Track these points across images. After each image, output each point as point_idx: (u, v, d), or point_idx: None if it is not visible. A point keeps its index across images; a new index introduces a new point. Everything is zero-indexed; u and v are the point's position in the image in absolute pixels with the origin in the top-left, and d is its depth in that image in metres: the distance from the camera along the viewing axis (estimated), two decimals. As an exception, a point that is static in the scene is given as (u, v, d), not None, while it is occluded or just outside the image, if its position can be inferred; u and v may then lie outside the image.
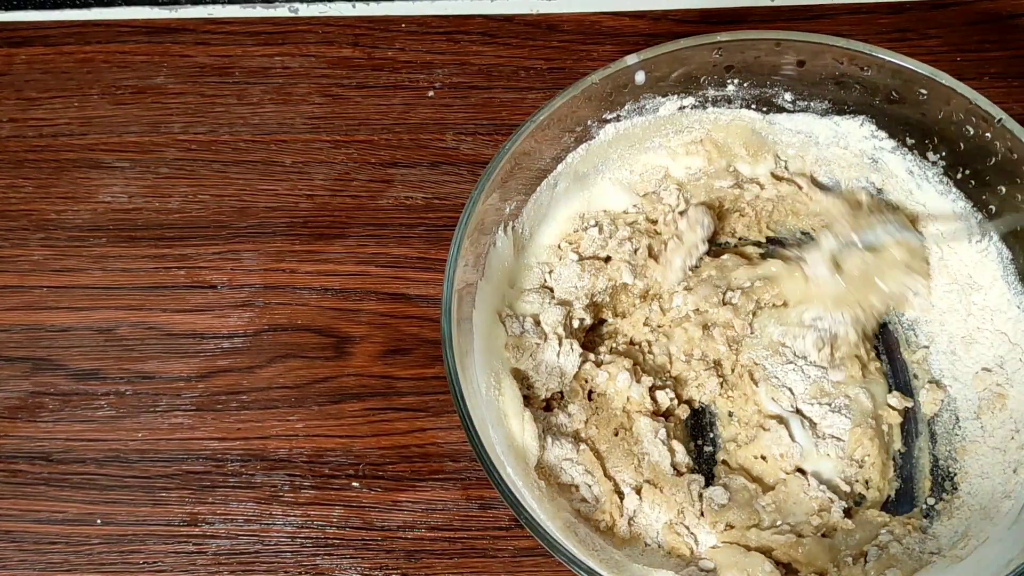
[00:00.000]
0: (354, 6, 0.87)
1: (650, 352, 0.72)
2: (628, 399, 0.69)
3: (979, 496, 0.65)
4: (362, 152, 0.81)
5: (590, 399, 0.69)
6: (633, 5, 0.86)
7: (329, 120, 0.82)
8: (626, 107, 0.70)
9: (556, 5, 0.86)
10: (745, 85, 0.70)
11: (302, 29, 0.86)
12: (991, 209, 0.67)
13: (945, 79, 0.64)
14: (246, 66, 0.85)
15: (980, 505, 0.65)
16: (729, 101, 0.71)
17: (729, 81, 0.70)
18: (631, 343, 0.73)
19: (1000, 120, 0.63)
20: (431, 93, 0.83)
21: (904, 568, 0.63)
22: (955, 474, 0.68)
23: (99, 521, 0.70)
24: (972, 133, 0.65)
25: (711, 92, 0.70)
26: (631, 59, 0.67)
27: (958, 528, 0.65)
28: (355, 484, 0.71)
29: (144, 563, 0.69)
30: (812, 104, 0.70)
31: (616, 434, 0.68)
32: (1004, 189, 0.65)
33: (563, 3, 0.86)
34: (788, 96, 0.70)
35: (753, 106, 0.71)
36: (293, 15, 0.87)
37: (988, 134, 0.64)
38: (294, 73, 0.84)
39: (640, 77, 0.68)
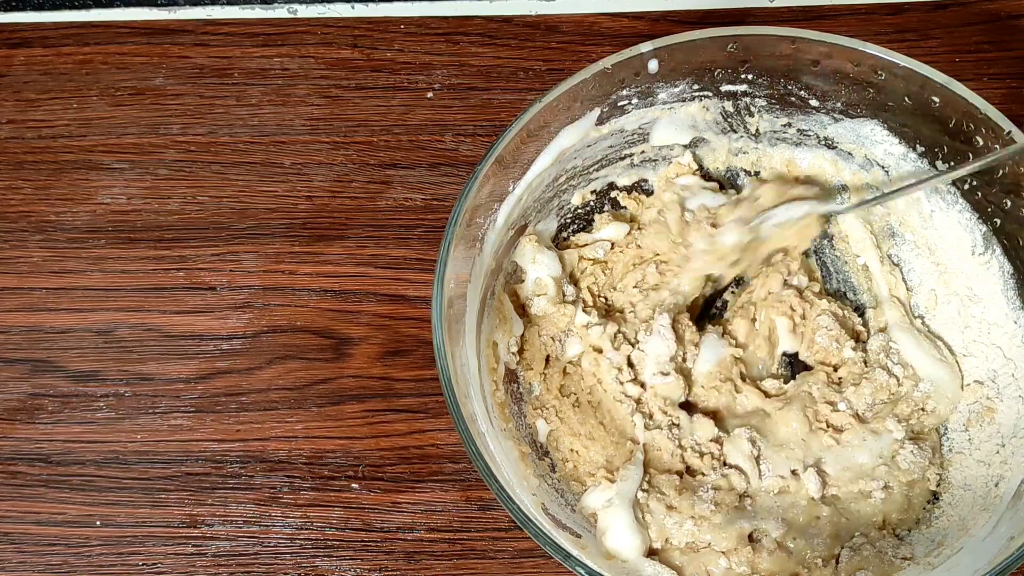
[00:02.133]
0: (353, 7, 0.87)
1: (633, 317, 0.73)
2: (597, 357, 0.70)
3: (959, 508, 0.65)
4: (361, 153, 0.81)
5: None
6: (632, 6, 0.86)
7: (328, 121, 0.82)
8: (635, 99, 0.70)
9: (555, 6, 0.86)
10: (758, 81, 0.70)
11: (301, 30, 0.86)
12: (996, 222, 0.67)
13: (958, 88, 0.64)
14: (245, 67, 0.85)
15: (959, 516, 0.65)
16: (740, 96, 0.71)
17: (743, 76, 0.70)
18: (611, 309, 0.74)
19: (1009, 132, 0.62)
20: (430, 94, 0.83)
21: (876, 571, 0.63)
22: (938, 484, 0.68)
23: (98, 523, 0.70)
24: (981, 144, 0.64)
25: (724, 87, 0.71)
26: (645, 47, 0.67)
27: (935, 537, 0.65)
28: (354, 485, 0.71)
29: (143, 564, 0.69)
30: (825, 104, 0.70)
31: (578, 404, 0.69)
32: (1009, 202, 0.65)
33: (562, 4, 0.86)
34: (801, 95, 0.70)
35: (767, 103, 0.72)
36: (292, 16, 0.87)
37: (997, 145, 0.63)
38: (293, 74, 0.84)
39: (653, 65, 0.68)
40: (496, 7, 0.86)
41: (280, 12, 0.87)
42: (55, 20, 0.87)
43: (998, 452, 0.65)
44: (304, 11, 0.87)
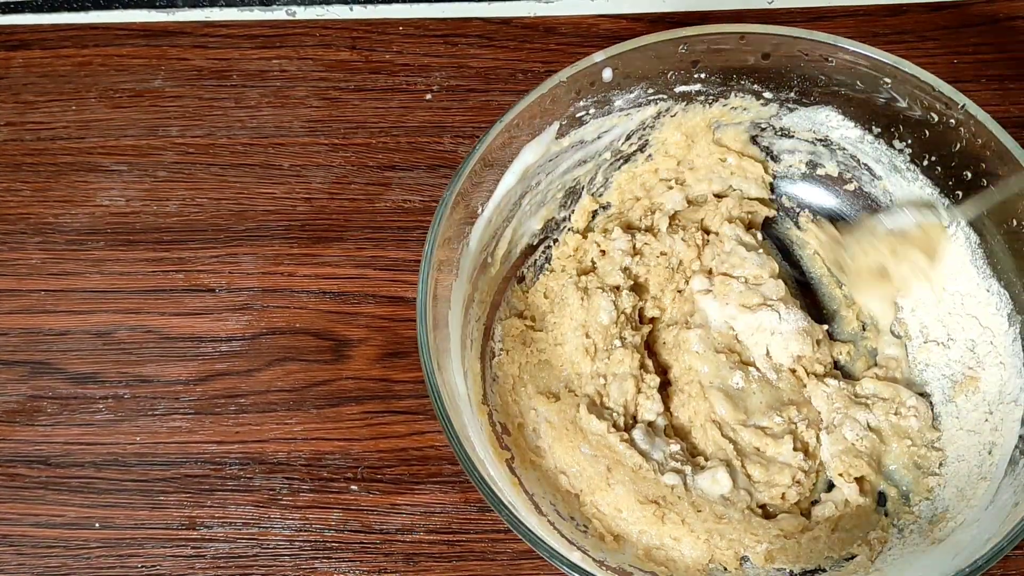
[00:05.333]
0: (351, 9, 0.87)
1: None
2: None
3: (956, 479, 0.66)
4: (360, 155, 0.81)
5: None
6: (631, 8, 0.86)
7: (327, 123, 0.82)
8: (592, 109, 0.70)
9: (554, 8, 0.86)
10: (711, 79, 0.71)
11: (299, 32, 0.86)
12: (957, 195, 0.68)
13: (907, 67, 0.65)
14: (244, 69, 0.85)
15: (957, 488, 0.65)
16: (696, 96, 0.72)
17: (696, 75, 0.70)
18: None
19: (963, 106, 0.64)
20: (428, 96, 0.83)
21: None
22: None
23: (97, 525, 0.70)
24: (936, 120, 0.66)
25: (678, 88, 0.71)
26: (598, 56, 0.67)
27: (937, 510, 0.65)
28: (353, 487, 0.71)
29: (142, 566, 0.69)
30: (779, 96, 0.71)
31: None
32: (969, 175, 0.66)
33: (561, 6, 0.86)
34: (755, 88, 0.71)
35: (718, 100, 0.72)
36: (290, 18, 0.87)
37: (952, 120, 0.65)
38: (292, 76, 0.84)
39: (607, 74, 0.68)
40: (495, 9, 0.87)
41: (279, 14, 0.87)
42: (54, 22, 0.87)
43: (987, 420, 0.66)
44: (302, 13, 0.87)
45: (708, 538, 0.65)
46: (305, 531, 0.70)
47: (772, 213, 0.76)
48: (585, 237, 0.74)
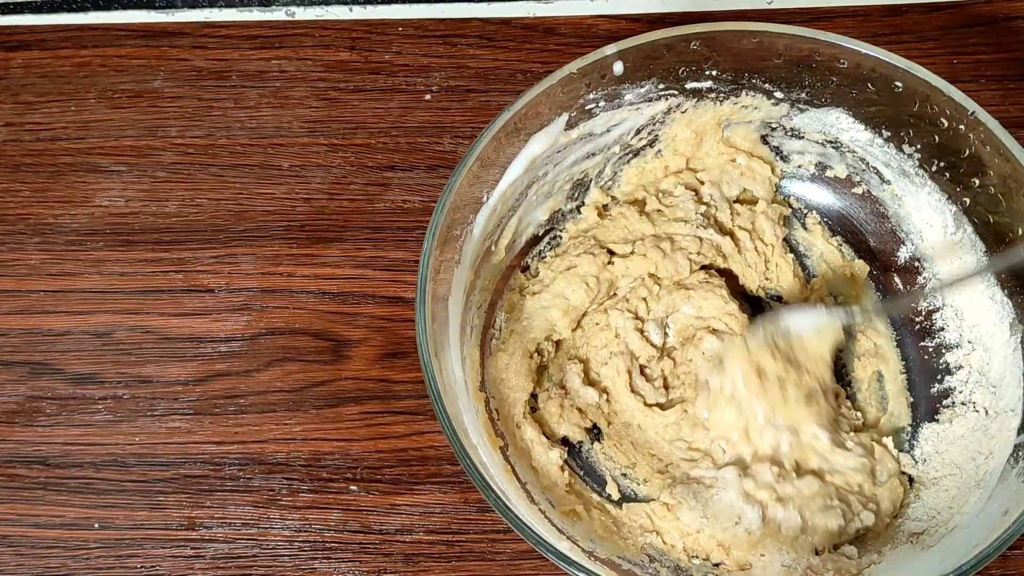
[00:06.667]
0: (351, 9, 0.87)
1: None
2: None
3: (949, 488, 0.66)
4: (359, 156, 0.81)
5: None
6: (630, 8, 0.86)
7: (326, 124, 0.82)
8: (602, 101, 0.70)
9: (553, 8, 0.86)
10: (723, 77, 0.71)
11: (299, 33, 0.86)
12: (964, 202, 0.68)
13: (920, 71, 0.65)
14: (243, 70, 0.85)
15: (950, 496, 0.65)
16: (707, 93, 0.72)
17: (707, 72, 0.70)
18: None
19: (973, 112, 0.64)
20: (428, 96, 0.83)
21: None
22: (924, 462, 0.68)
23: (96, 525, 0.70)
24: (946, 126, 0.66)
25: (689, 84, 0.71)
26: (609, 49, 0.67)
27: (928, 514, 0.65)
28: (353, 488, 0.71)
29: (141, 567, 0.69)
30: (790, 96, 0.71)
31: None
32: (977, 182, 0.66)
33: (560, 6, 0.86)
34: (766, 88, 0.71)
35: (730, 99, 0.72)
36: (290, 19, 0.87)
37: (961, 127, 0.65)
38: (291, 77, 0.84)
39: (618, 67, 0.68)
40: (494, 9, 0.87)
41: (278, 15, 0.87)
42: (53, 23, 0.87)
43: (983, 429, 0.66)
44: (302, 13, 0.87)
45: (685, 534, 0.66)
46: (304, 531, 0.70)
47: (788, 212, 0.76)
48: (602, 218, 0.74)
